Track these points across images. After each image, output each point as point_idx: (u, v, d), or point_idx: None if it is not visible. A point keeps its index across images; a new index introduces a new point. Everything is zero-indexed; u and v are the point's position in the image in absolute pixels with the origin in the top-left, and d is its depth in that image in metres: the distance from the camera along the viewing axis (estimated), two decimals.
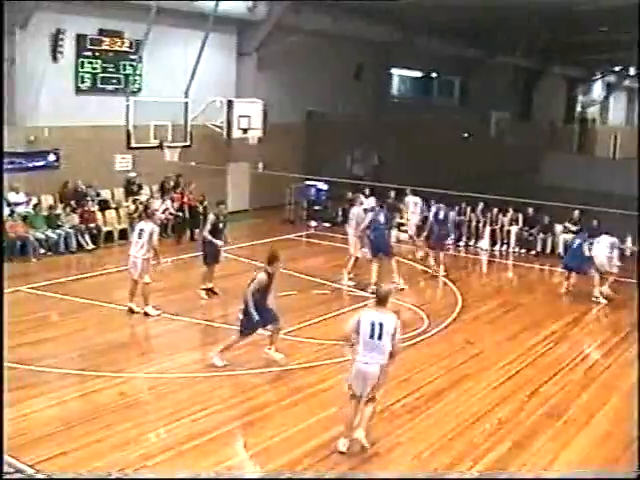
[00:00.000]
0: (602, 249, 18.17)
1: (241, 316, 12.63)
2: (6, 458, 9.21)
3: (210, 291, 17.17)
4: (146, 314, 15.33)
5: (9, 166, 21.14)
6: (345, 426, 9.95)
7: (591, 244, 18.16)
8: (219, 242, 16.92)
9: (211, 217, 17.22)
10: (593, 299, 17.95)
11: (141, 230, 15.51)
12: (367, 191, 24.34)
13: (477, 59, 39.88)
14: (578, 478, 9.65)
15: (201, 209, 23.99)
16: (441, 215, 20.84)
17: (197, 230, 22.75)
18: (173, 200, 24.29)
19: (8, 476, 8.35)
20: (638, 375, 12.60)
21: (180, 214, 24.06)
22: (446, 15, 28.83)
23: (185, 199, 24.48)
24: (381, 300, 9.91)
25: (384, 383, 9.97)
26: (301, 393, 11.81)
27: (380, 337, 9.55)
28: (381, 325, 9.56)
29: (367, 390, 9.73)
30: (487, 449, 10.16)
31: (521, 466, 9.76)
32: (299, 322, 15.18)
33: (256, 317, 12.34)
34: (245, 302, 12.46)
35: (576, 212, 22.65)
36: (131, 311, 15.43)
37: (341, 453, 9.79)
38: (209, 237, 16.86)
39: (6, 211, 20.39)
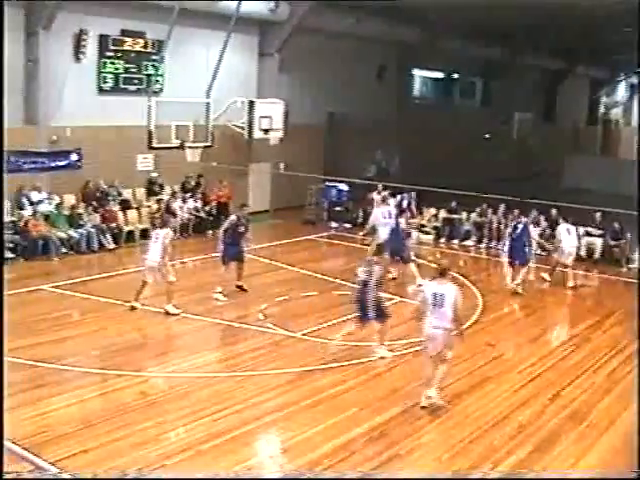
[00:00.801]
0: (573, 240, 19.20)
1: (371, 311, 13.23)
2: (27, 455, 9.28)
3: (240, 288, 17.33)
4: (167, 313, 15.37)
5: (32, 165, 21.31)
6: (425, 383, 11.35)
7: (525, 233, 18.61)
8: (220, 246, 16.99)
9: (232, 217, 17.28)
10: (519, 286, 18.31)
11: (157, 235, 15.66)
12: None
13: (499, 60, 39.68)
14: (579, 478, 9.59)
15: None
16: (404, 204, 21.08)
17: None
18: (195, 200, 24.41)
19: (8, 476, 8.36)
20: (638, 375, 12.53)
21: (201, 214, 24.18)
22: (468, 16, 28.73)
23: (214, 197, 24.59)
24: (442, 273, 11.38)
25: (453, 345, 11.32)
26: (321, 394, 11.78)
27: (442, 305, 11.02)
28: (442, 295, 11.06)
29: (438, 351, 11.17)
30: (507, 452, 10.10)
31: (542, 470, 9.68)
32: (319, 323, 15.17)
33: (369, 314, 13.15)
34: (369, 299, 13.10)
35: (598, 214, 22.51)
36: (132, 308, 15.52)
37: (422, 408, 11.18)
38: (221, 236, 17.00)
39: (29, 210, 20.53)
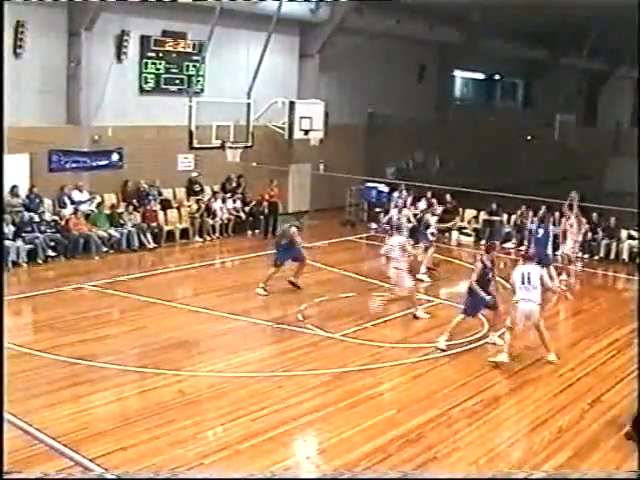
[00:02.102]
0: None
1: (466, 297, 14.28)
2: (67, 452, 9.36)
3: (293, 285, 17.68)
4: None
5: (74, 165, 21.57)
6: (505, 348, 13.13)
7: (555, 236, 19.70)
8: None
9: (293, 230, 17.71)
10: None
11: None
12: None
13: (541, 61, 39.39)
14: (581, 478, 9.46)
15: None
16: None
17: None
18: (235, 200, 24.51)
19: (7, 476, 8.42)
20: (638, 374, 12.33)
21: (241, 214, 24.28)
22: (510, 16, 28.53)
23: (267, 196, 24.69)
24: (526, 259, 13.60)
25: (541, 316, 13.26)
26: (359, 395, 11.74)
27: (529, 282, 12.94)
28: (529, 274, 13.02)
29: (529, 322, 13.07)
30: (546, 457, 9.98)
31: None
32: (357, 324, 15.14)
33: (486, 297, 13.82)
34: (469, 287, 14.03)
35: None
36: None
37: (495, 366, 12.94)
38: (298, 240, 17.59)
39: (70, 209, 20.74)
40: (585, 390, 12.35)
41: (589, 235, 22.85)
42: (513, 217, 24.53)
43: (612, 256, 22.68)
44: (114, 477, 9.00)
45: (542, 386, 12.48)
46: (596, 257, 22.74)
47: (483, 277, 13.80)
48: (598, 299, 18.71)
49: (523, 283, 12.97)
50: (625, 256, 22.34)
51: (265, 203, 24.61)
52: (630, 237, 22.59)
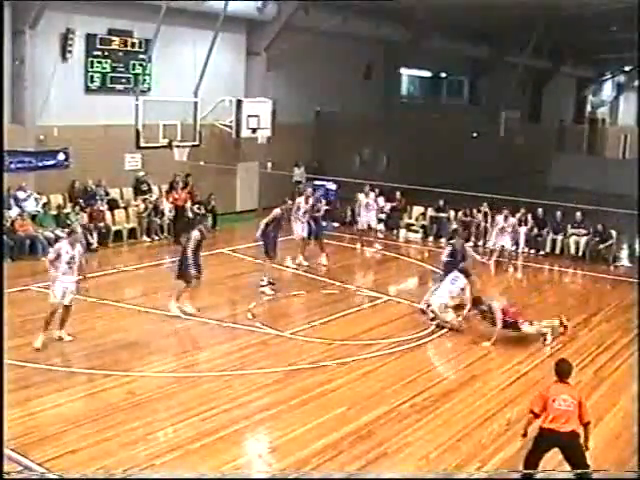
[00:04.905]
0: None
1: None
2: (15, 456, 9.25)
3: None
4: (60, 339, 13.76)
5: (19, 165, 21.23)
6: None
7: None
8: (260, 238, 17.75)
9: (277, 211, 17.62)
10: None
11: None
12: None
13: (486, 59, 39.83)
14: (578, 478, 9.61)
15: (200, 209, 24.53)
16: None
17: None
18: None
19: (7, 476, 8.35)
20: (638, 375, 12.56)
21: (189, 213, 24.12)
22: (456, 15, 28.80)
23: (171, 199, 24.10)
24: None
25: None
26: (309, 393, 11.80)
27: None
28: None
29: None
30: (495, 450, 10.13)
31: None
32: (307, 322, 15.19)
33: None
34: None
35: (578, 213, 22.50)
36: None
37: None
38: (262, 228, 17.54)
39: (15, 210, 20.45)
40: (532, 383, 12.52)
41: (535, 230, 23.21)
42: (459, 213, 24.75)
43: (557, 251, 22.96)
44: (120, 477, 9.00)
45: (490, 380, 12.66)
46: (542, 252, 23.01)
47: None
48: (544, 293, 18.98)
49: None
50: (572, 250, 22.61)
51: (171, 206, 23.92)
52: (573, 233, 22.87)
